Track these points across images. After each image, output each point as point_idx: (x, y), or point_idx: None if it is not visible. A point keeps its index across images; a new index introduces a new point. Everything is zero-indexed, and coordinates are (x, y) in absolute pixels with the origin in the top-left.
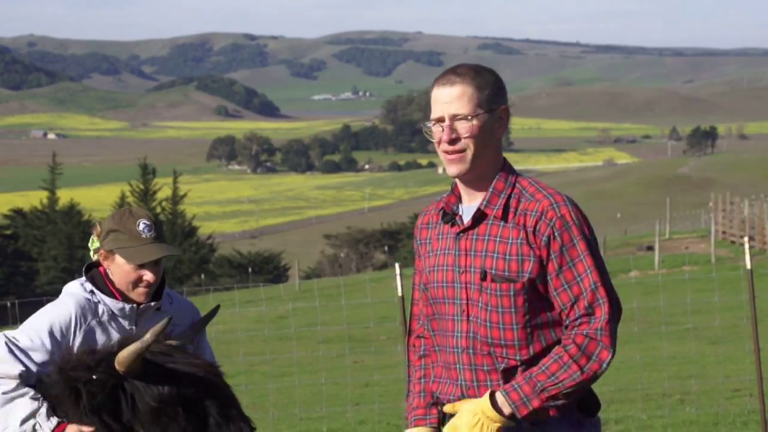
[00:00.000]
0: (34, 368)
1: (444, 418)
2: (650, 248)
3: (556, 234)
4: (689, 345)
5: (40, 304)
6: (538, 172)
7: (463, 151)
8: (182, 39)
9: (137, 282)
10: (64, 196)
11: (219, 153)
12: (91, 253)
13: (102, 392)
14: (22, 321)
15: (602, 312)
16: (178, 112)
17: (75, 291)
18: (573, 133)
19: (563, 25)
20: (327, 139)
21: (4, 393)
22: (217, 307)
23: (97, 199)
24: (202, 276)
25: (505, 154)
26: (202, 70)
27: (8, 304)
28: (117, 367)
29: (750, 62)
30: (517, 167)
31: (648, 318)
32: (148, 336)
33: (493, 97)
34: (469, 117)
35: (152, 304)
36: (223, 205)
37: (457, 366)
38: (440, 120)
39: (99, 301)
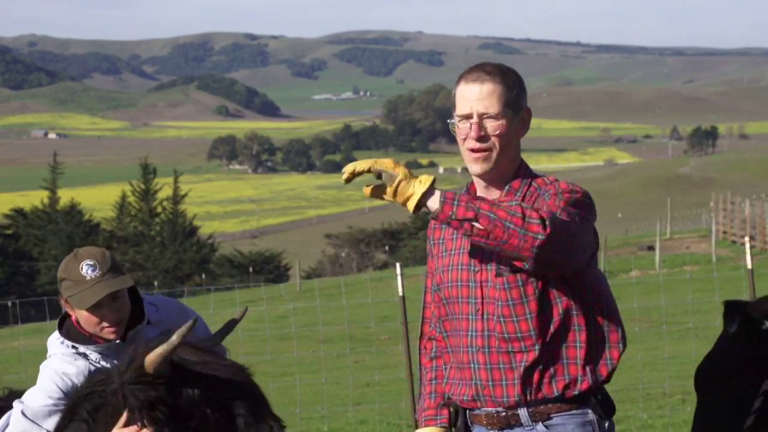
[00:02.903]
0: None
1: (456, 419)
2: (651, 248)
3: (553, 190)
4: (690, 345)
5: (41, 304)
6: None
7: (489, 150)
8: (183, 39)
9: (99, 324)
10: (65, 195)
11: (220, 153)
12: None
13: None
14: (23, 320)
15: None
16: (179, 112)
17: (59, 351)
18: (574, 132)
19: (564, 24)
20: (328, 138)
21: None
22: (245, 310)
23: (97, 199)
24: (203, 276)
25: None
26: (202, 69)
27: (9, 304)
28: (145, 369)
29: (750, 62)
30: None
31: (649, 318)
32: (174, 338)
33: (518, 98)
34: (498, 116)
35: (132, 332)
36: (224, 204)
37: (472, 365)
38: (468, 117)
39: (84, 352)
